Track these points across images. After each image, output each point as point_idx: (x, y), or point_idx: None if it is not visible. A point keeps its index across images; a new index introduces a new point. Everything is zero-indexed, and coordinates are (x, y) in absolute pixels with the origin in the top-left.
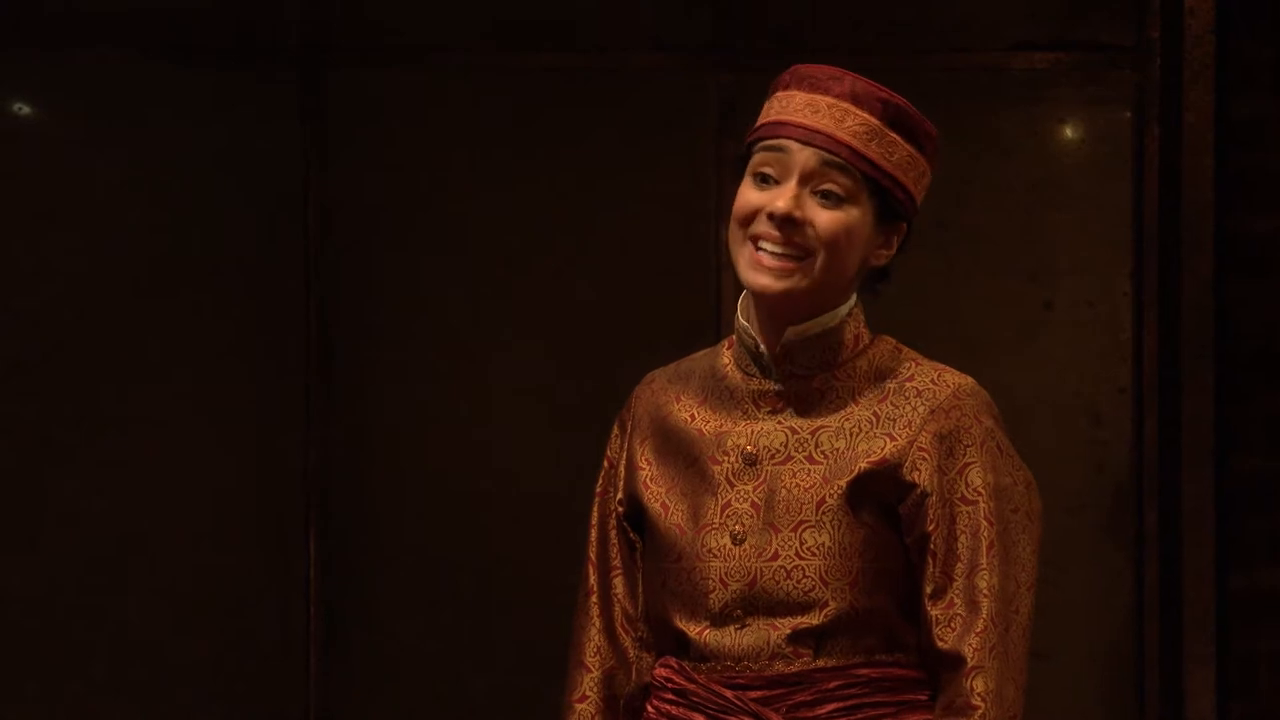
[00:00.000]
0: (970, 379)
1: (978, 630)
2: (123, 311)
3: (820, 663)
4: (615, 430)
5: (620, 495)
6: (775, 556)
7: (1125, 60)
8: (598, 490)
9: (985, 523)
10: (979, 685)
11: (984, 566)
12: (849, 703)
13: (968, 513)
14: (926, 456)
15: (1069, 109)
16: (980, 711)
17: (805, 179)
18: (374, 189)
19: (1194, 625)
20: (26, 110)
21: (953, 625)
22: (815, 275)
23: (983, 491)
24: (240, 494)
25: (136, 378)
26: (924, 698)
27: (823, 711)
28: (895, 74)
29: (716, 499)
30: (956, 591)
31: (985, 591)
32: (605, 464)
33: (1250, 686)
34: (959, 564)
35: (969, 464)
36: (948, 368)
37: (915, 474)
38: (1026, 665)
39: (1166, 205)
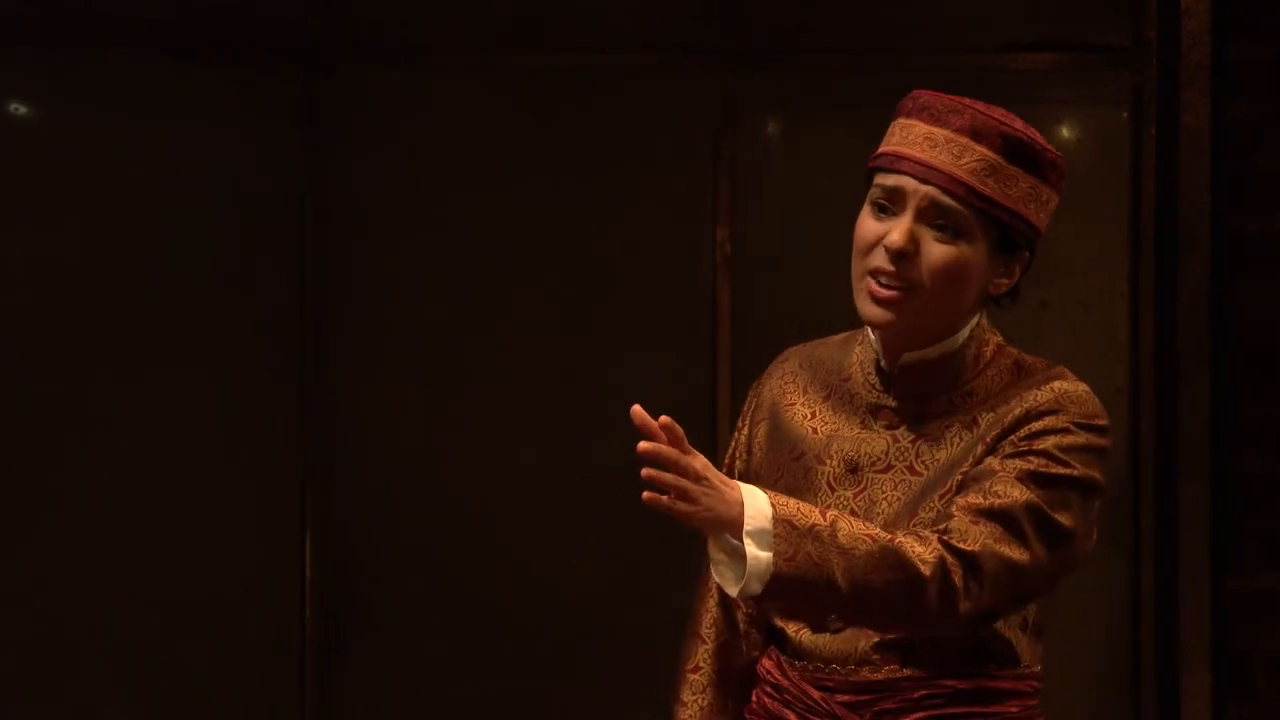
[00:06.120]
0: (1082, 386)
1: (973, 512)
2: (118, 310)
3: (907, 672)
4: (748, 403)
5: (738, 473)
6: None
7: (1122, 61)
8: (726, 459)
9: (1032, 479)
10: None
11: (1009, 497)
12: (934, 713)
13: (1016, 465)
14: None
15: (1066, 110)
16: (937, 538)
17: (921, 214)
18: (372, 189)
19: (1190, 627)
20: (24, 109)
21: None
22: (922, 307)
23: (1044, 457)
24: (236, 497)
25: (132, 377)
26: (1014, 710)
27: None
28: (891, 74)
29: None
30: (961, 507)
31: (1002, 499)
32: (735, 434)
33: (1248, 688)
34: (976, 485)
35: (1039, 438)
36: (1064, 374)
37: (982, 447)
38: (1011, 578)
39: (1163, 206)
